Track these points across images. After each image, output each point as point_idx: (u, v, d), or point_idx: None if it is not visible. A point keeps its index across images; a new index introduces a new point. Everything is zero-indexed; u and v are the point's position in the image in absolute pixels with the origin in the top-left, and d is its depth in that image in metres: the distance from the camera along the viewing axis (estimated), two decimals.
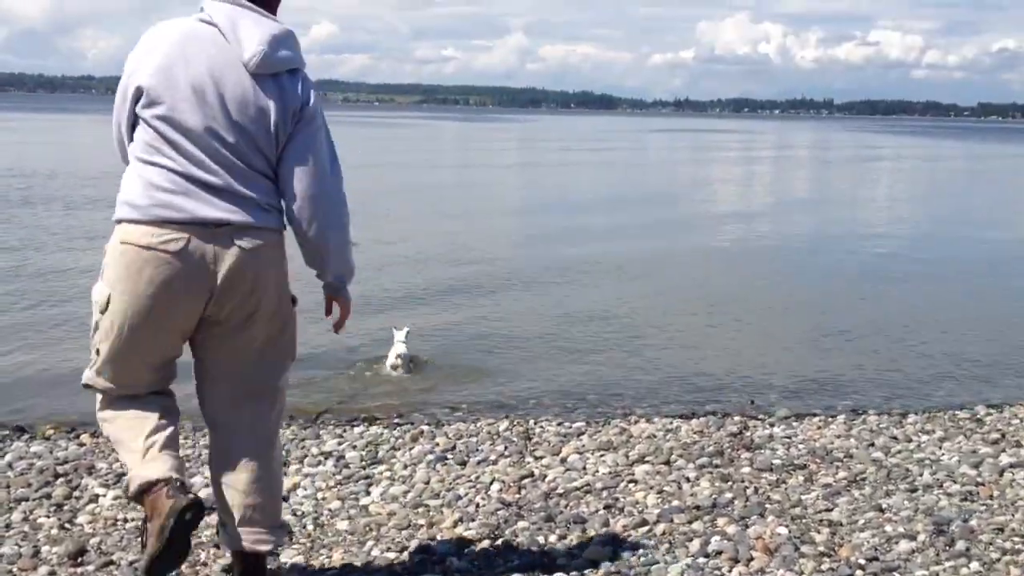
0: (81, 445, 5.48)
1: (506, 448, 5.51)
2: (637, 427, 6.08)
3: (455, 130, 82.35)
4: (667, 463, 5.22)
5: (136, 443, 3.11)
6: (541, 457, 5.35)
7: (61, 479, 4.78)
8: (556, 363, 8.02)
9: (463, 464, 5.21)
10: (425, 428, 6.01)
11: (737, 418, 6.34)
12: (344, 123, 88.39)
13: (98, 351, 3.12)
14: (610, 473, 5.03)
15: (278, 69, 3.06)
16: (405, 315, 8.99)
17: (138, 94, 3.00)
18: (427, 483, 4.88)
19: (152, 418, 3.16)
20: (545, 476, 4.98)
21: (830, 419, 6.42)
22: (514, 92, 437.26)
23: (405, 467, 5.15)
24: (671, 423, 6.19)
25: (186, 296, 3.01)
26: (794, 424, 6.24)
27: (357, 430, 5.97)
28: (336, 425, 6.13)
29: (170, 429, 3.19)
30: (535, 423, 6.19)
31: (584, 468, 5.14)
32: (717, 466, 5.18)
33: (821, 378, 7.72)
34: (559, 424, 6.17)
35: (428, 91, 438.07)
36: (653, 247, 14.97)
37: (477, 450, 5.47)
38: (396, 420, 6.32)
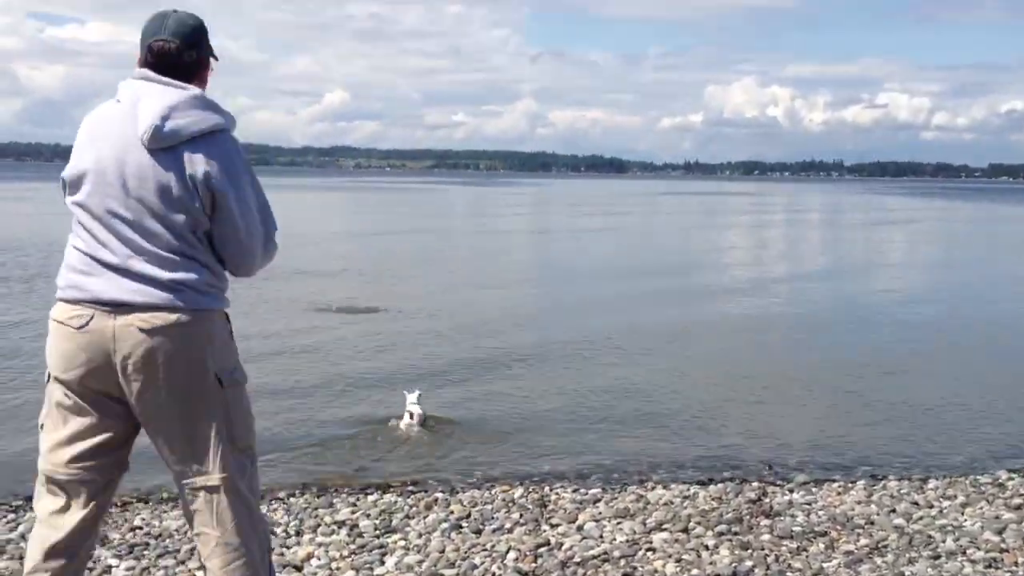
0: None
1: (521, 516, 5.45)
2: (654, 493, 6.01)
3: (467, 194, 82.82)
4: (685, 530, 5.16)
5: (29, 561, 3.12)
6: (557, 525, 5.29)
7: None
8: (571, 429, 7.94)
9: (478, 532, 5.16)
10: (439, 495, 5.96)
11: (755, 484, 6.27)
12: (356, 189, 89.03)
13: (41, 426, 3.17)
14: (628, 541, 4.96)
15: (173, 141, 2.98)
16: (422, 382, 8.95)
17: (64, 184, 3.10)
18: (442, 552, 4.82)
19: (53, 538, 3.09)
20: (562, 544, 4.92)
21: (850, 485, 6.34)
22: (525, 156, 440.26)
23: (420, 536, 5.09)
24: (688, 489, 6.13)
25: (90, 371, 3.00)
26: (813, 490, 6.16)
27: (371, 498, 5.93)
28: (349, 493, 6.08)
29: (59, 566, 3.08)
30: (550, 490, 6.14)
31: (601, 536, 5.08)
32: (736, 533, 5.11)
33: (839, 443, 7.64)
34: (575, 491, 6.10)
35: (439, 156, 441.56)
36: (669, 314, 14.93)
37: (492, 518, 5.41)
38: (410, 488, 6.26)
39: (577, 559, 4.68)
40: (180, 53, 3.09)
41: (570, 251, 26.71)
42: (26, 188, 67.33)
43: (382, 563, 4.66)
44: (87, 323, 2.97)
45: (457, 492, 6.11)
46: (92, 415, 3.07)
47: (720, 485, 6.24)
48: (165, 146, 2.97)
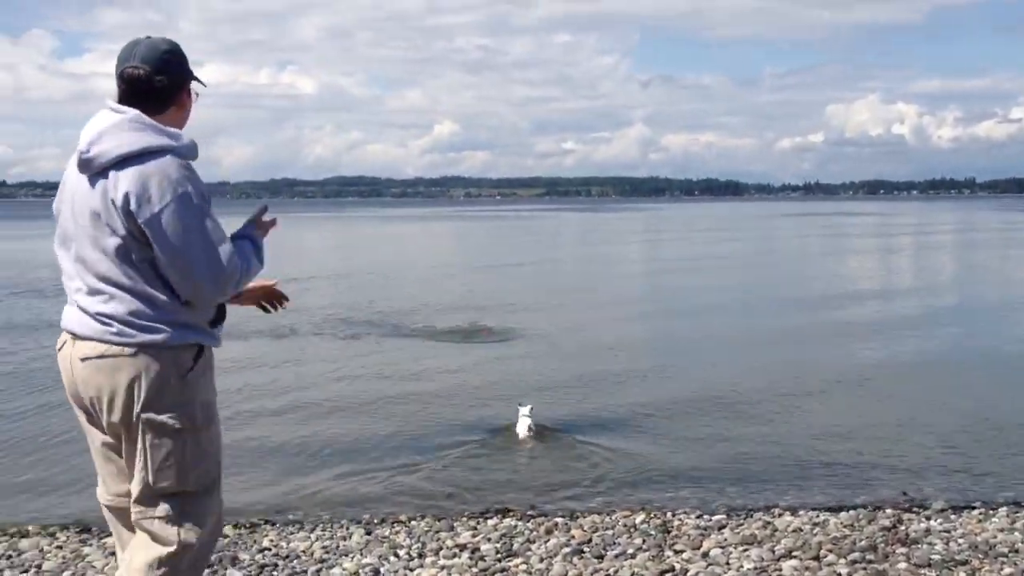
0: (224, 537, 5.54)
1: (644, 541, 5.35)
2: (782, 520, 5.84)
3: (583, 221, 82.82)
4: (816, 558, 4.98)
5: None
6: (681, 551, 5.17)
7: (207, 571, 4.82)
8: (690, 454, 7.78)
9: (600, 558, 5.08)
10: (559, 520, 5.90)
11: (890, 511, 6.03)
12: (466, 218, 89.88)
13: None
14: (756, 569, 4.82)
15: (98, 167, 2.93)
16: (536, 397, 8.96)
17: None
18: None
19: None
20: (687, 571, 4.81)
21: (991, 511, 6.05)
22: (637, 181, 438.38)
23: (541, 560, 5.04)
24: (818, 516, 5.93)
25: (71, 393, 3.09)
26: (952, 517, 5.89)
27: (491, 522, 5.90)
28: (470, 517, 6.07)
29: None
30: (673, 515, 6.01)
31: (728, 563, 4.94)
32: (871, 562, 4.92)
33: (978, 468, 7.29)
34: (698, 516, 5.97)
35: (549, 184, 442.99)
36: (797, 329, 14.66)
37: (614, 543, 5.33)
38: (529, 512, 6.21)
39: None
40: (149, 79, 3.03)
41: (688, 278, 26.37)
42: None
43: None
44: (61, 347, 3.09)
45: (577, 517, 6.03)
46: (100, 439, 3.14)
47: (852, 512, 6.02)
48: (94, 172, 2.94)
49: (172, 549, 3.02)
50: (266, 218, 3.34)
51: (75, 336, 3.00)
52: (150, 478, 3.01)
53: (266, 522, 5.98)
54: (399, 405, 9.57)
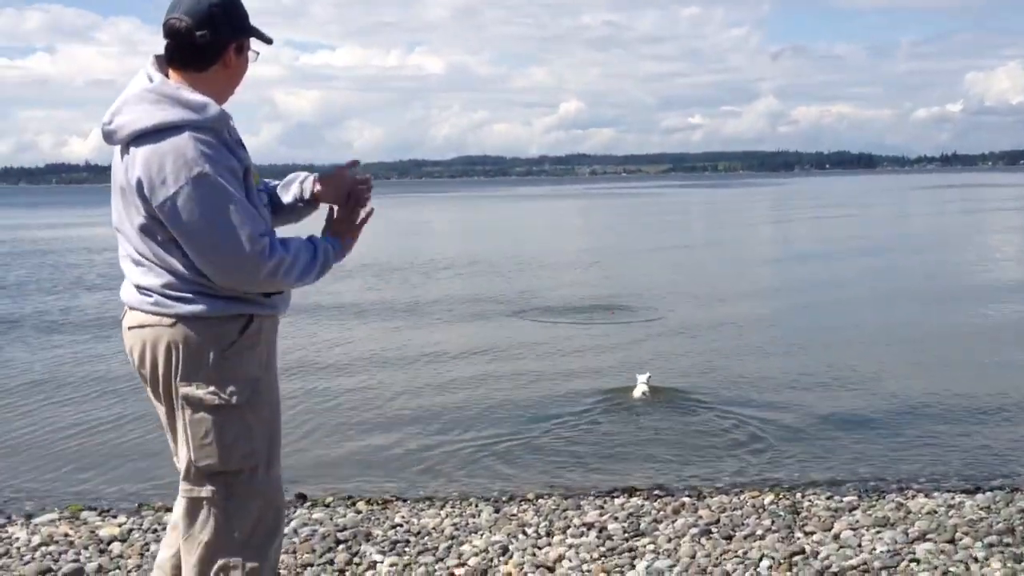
0: (358, 512, 5.74)
1: (773, 522, 5.31)
2: (915, 502, 5.71)
3: (706, 198, 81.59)
4: (951, 541, 4.87)
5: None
6: (812, 533, 5.11)
7: (342, 545, 5.01)
8: (822, 428, 7.66)
9: (729, 539, 5.06)
10: (686, 500, 5.89)
11: None
12: (590, 196, 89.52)
13: None
14: (889, 552, 4.73)
15: (120, 139, 2.82)
16: (661, 369, 9.03)
17: None
18: (692, 557, 4.76)
19: (168, 541, 3.20)
20: (818, 553, 4.75)
21: None
22: (764, 156, 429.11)
23: (669, 540, 5.05)
24: (953, 498, 5.79)
25: (132, 364, 3.04)
26: None
27: (617, 501, 5.94)
28: (596, 496, 6.12)
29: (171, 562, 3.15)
30: (802, 496, 5.95)
31: (860, 545, 4.87)
32: (1008, 545, 4.78)
33: None
34: (828, 498, 5.89)
35: (675, 160, 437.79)
36: (932, 303, 14.26)
37: (743, 524, 5.30)
38: (656, 492, 6.22)
39: (835, 569, 4.51)
40: (190, 32, 2.80)
41: (813, 259, 25.76)
42: None
43: (632, 567, 4.66)
44: (121, 317, 3.03)
45: (704, 497, 6.02)
46: (159, 408, 3.05)
47: (988, 494, 5.85)
48: (118, 144, 2.84)
49: (219, 532, 2.96)
50: (356, 176, 3.18)
51: (126, 306, 2.98)
52: (192, 454, 2.92)
53: (398, 499, 6.15)
54: (520, 380, 9.74)
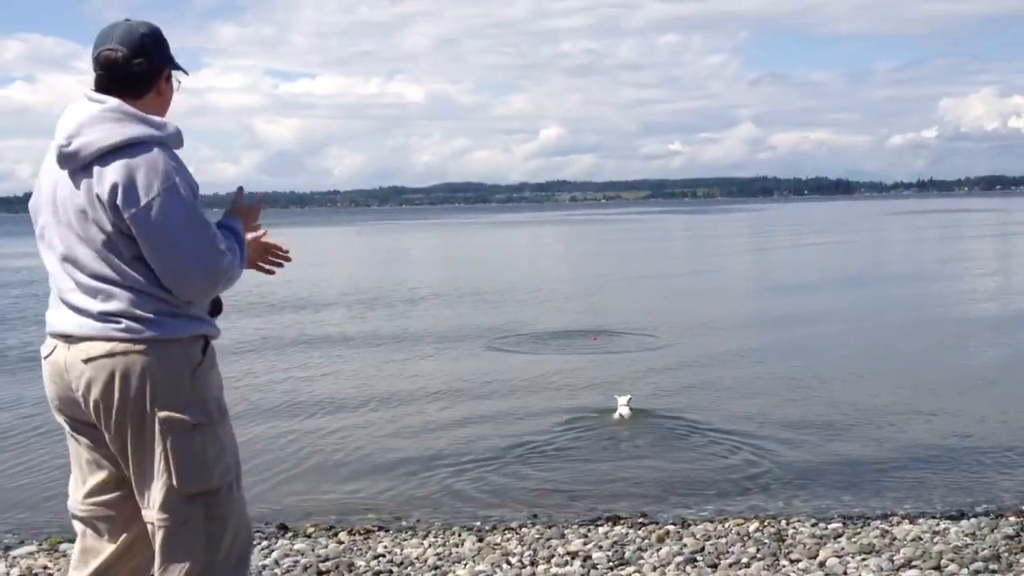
0: (340, 543, 5.68)
1: (758, 550, 5.28)
2: (900, 528, 5.70)
3: (686, 224, 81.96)
4: (937, 568, 4.86)
5: None
6: (797, 560, 5.09)
7: None
8: (806, 455, 7.65)
9: (714, 567, 5.03)
10: (671, 528, 5.86)
11: (1013, 519, 5.83)
12: (570, 223, 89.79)
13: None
14: None
15: (81, 161, 2.81)
16: (643, 393, 8.99)
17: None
18: None
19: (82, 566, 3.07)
20: None
21: None
22: (743, 182, 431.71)
23: (654, 569, 5.02)
24: (938, 524, 5.77)
25: (62, 401, 2.96)
26: None
27: (601, 529, 5.90)
28: (580, 524, 6.07)
29: None
30: (787, 524, 5.92)
31: (846, 573, 4.85)
32: (994, 572, 4.77)
33: None
34: (813, 525, 5.87)
35: (655, 186, 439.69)
36: (914, 332, 14.34)
37: (728, 552, 5.27)
38: (640, 520, 6.19)
39: None
40: (127, 62, 2.89)
41: (795, 286, 25.87)
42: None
43: None
44: (50, 353, 2.94)
45: (689, 525, 5.99)
46: (84, 446, 3.01)
47: (973, 520, 5.84)
48: (77, 166, 2.82)
49: (201, 555, 2.92)
50: (246, 204, 3.22)
51: (71, 338, 2.87)
52: (174, 481, 2.87)
53: (380, 528, 6.09)
54: (501, 407, 9.71)
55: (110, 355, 2.82)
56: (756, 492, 6.84)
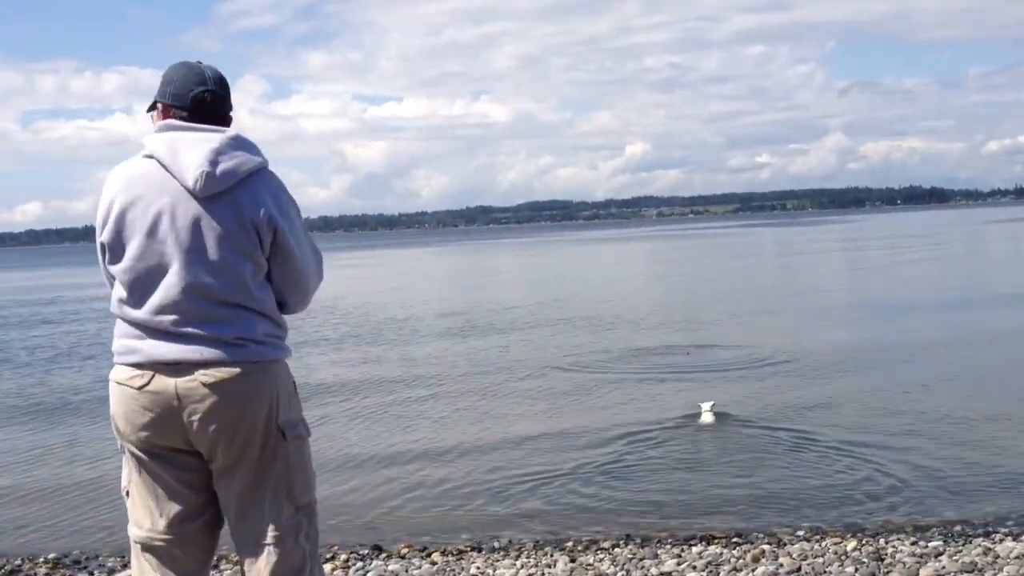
0: (433, 564, 5.74)
1: (856, 570, 5.19)
2: (1003, 546, 5.54)
3: (774, 237, 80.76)
4: None
5: None
6: None
7: None
8: (902, 469, 7.44)
9: None
10: (766, 547, 5.78)
11: None
12: (655, 238, 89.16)
13: (126, 493, 3.15)
14: None
15: (227, 184, 2.91)
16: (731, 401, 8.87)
17: (103, 250, 3.03)
18: None
19: None
20: None
21: None
22: (834, 193, 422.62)
23: None
24: None
25: (155, 430, 2.97)
26: None
27: (695, 549, 5.85)
28: (673, 544, 6.03)
29: None
30: (886, 542, 5.80)
31: None
32: None
33: None
34: (913, 543, 5.74)
35: (743, 199, 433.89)
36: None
37: (825, 571, 5.19)
38: (735, 539, 6.12)
39: None
40: (224, 103, 3.10)
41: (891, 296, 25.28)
42: (356, 256, 72.70)
43: None
44: (148, 382, 2.93)
45: (784, 544, 5.90)
46: (169, 475, 3.04)
47: None
48: (217, 191, 2.90)
49: (308, 558, 3.07)
50: None
51: (181, 365, 2.91)
52: (295, 492, 3.04)
53: (472, 549, 6.13)
54: (589, 420, 9.68)
55: (238, 378, 2.92)
56: (851, 506, 6.70)
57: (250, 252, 2.93)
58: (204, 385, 2.90)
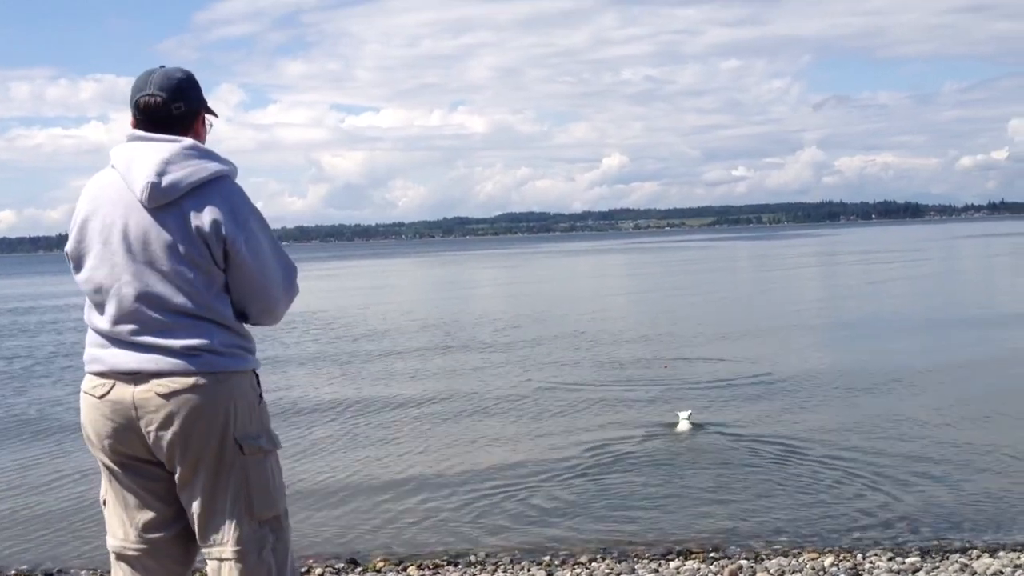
0: None
1: None
2: (980, 562, 5.55)
3: (751, 250, 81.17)
4: None
5: None
6: None
7: None
8: (880, 484, 7.45)
9: None
10: (743, 563, 5.77)
11: None
12: (633, 250, 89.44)
13: (103, 502, 3.15)
14: None
15: (172, 196, 2.88)
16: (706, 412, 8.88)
17: (68, 260, 3.05)
18: None
19: None
20: None
21: None
22: (810, 207, 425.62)
23: None
24: (1019, 557, 5.61)
25: (118, 438, 2.97)
26: None
27: (672, 564, 5.83)
28: (651, 559, 6.00)
29: None
30: (863, 558, 5.80)
31: None
32: None
33: None
34: (890, 559, 5.74)
35: (719, 212, 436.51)
36: (996, 357, 13.98)
37: None
38: (712, 554, 6.10)
39: None
40: (167, 105, 2.99)
41: (864, 304, 25.44)
42: (332, 267, 72.50)
43: None
44: (108, 391, 2.95)
45: (762, 559, 5.88)
46: (137, 485, 3.04)
47: None
48: (165, 202, 2.88)
49: (274, 573, 3.02)
50: None
51: (139, 375, 2.92)
52: (254, 508, 2.99)
53: (449, 563, 6.08)
54: (565, 433, 9.60)
55: (192, 389, 2.90)
56: (829, 521, 6.68)
57: (199, 262, 2.90)
58: (158, 395, 2.90)
